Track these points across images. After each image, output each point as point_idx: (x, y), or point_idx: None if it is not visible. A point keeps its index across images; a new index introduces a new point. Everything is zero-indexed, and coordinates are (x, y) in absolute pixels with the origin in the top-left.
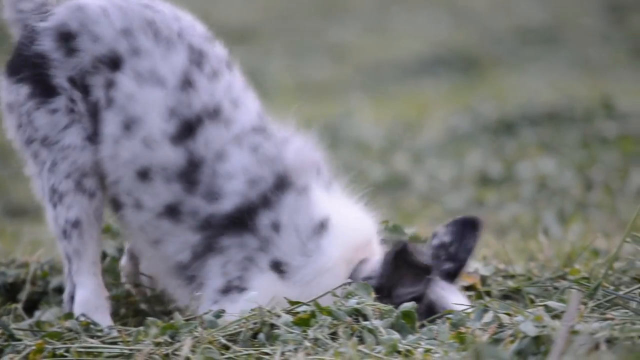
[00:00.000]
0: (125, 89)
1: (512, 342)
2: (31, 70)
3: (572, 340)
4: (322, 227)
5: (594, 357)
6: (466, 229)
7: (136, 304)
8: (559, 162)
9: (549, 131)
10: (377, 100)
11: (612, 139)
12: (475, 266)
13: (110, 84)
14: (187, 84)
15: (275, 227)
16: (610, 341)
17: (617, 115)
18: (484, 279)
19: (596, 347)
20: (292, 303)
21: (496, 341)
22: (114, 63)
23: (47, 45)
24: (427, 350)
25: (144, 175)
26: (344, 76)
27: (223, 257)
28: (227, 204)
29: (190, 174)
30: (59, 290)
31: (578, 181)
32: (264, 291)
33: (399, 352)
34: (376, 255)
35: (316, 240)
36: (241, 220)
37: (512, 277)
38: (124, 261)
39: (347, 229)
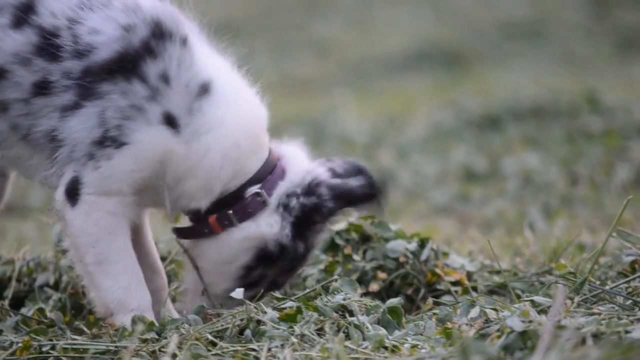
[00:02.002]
0: None
1: (498, 337)
2: None
3: (558, 335)
4: (210, 87)
5: (580, 352)
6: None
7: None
8: (544, 157)
9: (533, 126)
10: (362, 96)
11: (597, 134)
12: (461, 262)
13: None
14: None
15: (165, 78)
16: (596, 336)
17: (602, 110)
18: (470, 275)
19: (583, 341)
20: (279, 299)
21: (483, 336)
22: None
23: None
24: (414, 346)
25: (1, 74)
26: (328, 72)
27: (101, 104)
28: (104, 52)
29: (48, 46)
30: (45, 287)
31: (563, 176)
32: (147, 145)
33: (385, 348)
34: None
35: (205, 100)
36: (124, 66)
37: (498, 272)
38: None
39: (237, 100)
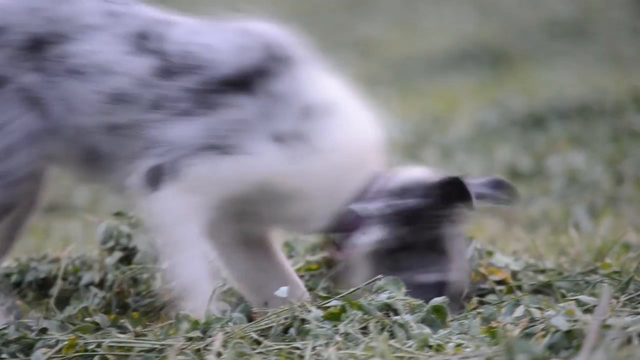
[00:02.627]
0: (57, 53)
1: (543, 336)
2: None
3: (604, 335)
4: (325, 109)
5: (626, 351)
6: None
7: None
8: (589, 156)
9: (578, 125)
10: (405, 95)
11: None
12: (505, 261)
13: (37, 60)
14: (112, 15)
15: (280, 97)
16: None
17: None
18: (514, 274)
19: (628, 341)
20: (323, 298)
21: (528, 336)
22: (35, 42)
23: None
24: (458, 345)
25: (119, 98)
26: (372, 71)
27: (214, 116)
28: (221, 68)
29: (167, 66)
30: (90, 285)
31: (608, 175)
32: (254, 160)
33: (430, 347)
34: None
35: (318, 121)
36: (240, 83)
37: (543, 271)
38: None
39: (351, 122)
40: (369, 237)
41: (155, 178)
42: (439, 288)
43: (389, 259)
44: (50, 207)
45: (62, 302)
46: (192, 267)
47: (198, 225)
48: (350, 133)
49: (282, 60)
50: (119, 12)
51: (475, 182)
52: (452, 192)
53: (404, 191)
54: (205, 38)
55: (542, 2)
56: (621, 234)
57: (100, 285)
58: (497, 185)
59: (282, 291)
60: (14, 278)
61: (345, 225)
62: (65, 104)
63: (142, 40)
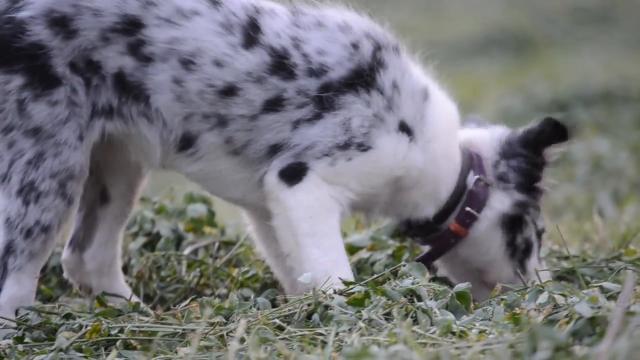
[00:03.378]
0: (161, 38)
1: (567, 323)
2: (27, 61)
3: (627, 321)
4: (426, 94)
5: None
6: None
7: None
8: (614, 143)
9: (603, 111)
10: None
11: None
12: None
13: (136, 46)
14: (213, 2)
15: (396, 87)
16: None
17: None
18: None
19: None
20: (347, 283)
21: (551, 322)
22: (132, 25)
23: (42, 34)
24: (482, 331)
25: (228, 91)
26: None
27: (345, 113)
28: (340, 70)
29: (282, 64)
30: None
31: (633, 162)
32: (390, 152)
33: (453, 333)
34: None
35: (426, 106)
36: (362, 79)
37: (567, 258)
38: (66, 254)
39: (444, 104)
40: (497, 208)
41: (293, 175)
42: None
43: (518, 225)
44: None
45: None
46: (331, 255)
47: (338, 215)
48: (446, 113)
49: (387, 50)
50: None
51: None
52: (549, 133)
53: (506, 152)
54: (312, 37)
55: None
56: None
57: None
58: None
59: (306, 277)
60: None
61: (469, 199)
62: (174, 93)
63: (253, 32)
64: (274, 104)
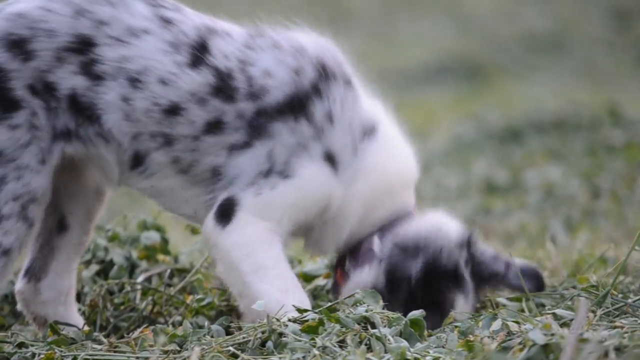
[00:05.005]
0: (111, 57)
1: (520, 350)
2: None
3: (581, 349)
4: (372, 131)
5: None
6: (537, 279)
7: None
8: (566, 170)
9: (555, 139)
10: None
11: (619, 147)
12: None
13: (88, 64)
14: (166, 22)
15: (330, 118)
16: (619, 349)
17: (624, 123)
18: None
19: (605, 355)
20: (300, 311)
21: (505, 349)
22: (84, 44)
23: (1, 57)
24: (436, 359)
25: (172, 110)
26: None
27: (271, 143)
28: (277, 94)
29: (225, 87)
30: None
31: (585, 189)
32: (311, 180)
33: None
34: (413, 215)
35: (366, 142)
36: (294, 107)
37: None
38: (20, 284)
39: (395, 147)
40: (365, 276)
41: (225, 214)
42: None
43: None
44: None
45: None
46: (279, 285)
47: (278, 244)
48: (393, 157)
49: (333, 79)
50: (169, 18)
51: (514, 264)
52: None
53: (416, 246)
54: (261, 58)
55: (519, 16)
56: (605, 250)
57: (78, 298)
58: (535, 275)
59: (259, 304)
60: None
61: (357, 254)
62: (122, 112)
63: (200, 52)
64: (214, 127)
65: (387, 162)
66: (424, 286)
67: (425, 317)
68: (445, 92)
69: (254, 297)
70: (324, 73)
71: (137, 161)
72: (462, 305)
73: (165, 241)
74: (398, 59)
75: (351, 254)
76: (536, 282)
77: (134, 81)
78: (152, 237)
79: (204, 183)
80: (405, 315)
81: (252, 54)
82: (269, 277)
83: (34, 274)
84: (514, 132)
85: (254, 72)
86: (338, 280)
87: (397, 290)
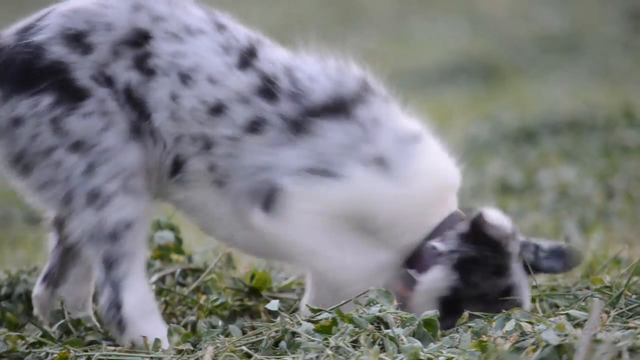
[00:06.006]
0: (166, 51)
1: (534, 350)
2: (51, 78)
3: (594, 349)
4: (418, 138)
5: None
6: (565, 257)
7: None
8: (580, 171)
9: (569, 140)
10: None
11: (634, 148)
12: None
13: (142, 59)
14: (220, 27)
15: (376, 122)
16: (632, 350)
17: (639, 124)
18: None
19: (619, 355)
20: (314, 311)
21: (518, 350)
22: (141, 37)
23: (60, 51)
24: (449, 359)
25: (217, 109)
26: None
27: (319, 140)
28: (320, 95)
29: (269, 88)
30: None
31: (599, 190)
32: (360, 183)
33: None
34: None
35: (414, 147)
36: (340, 109)
37: (535, 286)
38: (38, 290)
39: (439, 152)
40: (437, 276)
41: (270, 199)
42: None
43: (452, 304)
44: (40, 219)
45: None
46: (347, 256)
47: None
48: (435, 165)
49: (374, 92)
50: (223, 24)
51: (542, 247)
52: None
53: (476, 237)
54: (306, 67)
55: (535, 17)
56: (619, 251)
57: (93, 298)
58: (563, 254)
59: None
60: (3, 290)
61: (416, 261)
62: (170, 110)
63: (248, 56)
64: (255, 125)
65: (436, 165)
66: (498, 273)
67: (497, 308)
68: (460, 92)
69: (323, 274)
70: (366, 87)
71: (176, 167)
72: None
73: (179, 241)
74: (413, 59)
75: (409, 262)
76: (565, 260)
77: (185, 77)
78: (165, 237)
79: (240, 198)
80: (488, 311)
81: (299, 61)
82: (332, 256)
83: (53, 279)
84: (528, 133)
85: (300, 75)
86: (402, 294)
87: (475, 282)
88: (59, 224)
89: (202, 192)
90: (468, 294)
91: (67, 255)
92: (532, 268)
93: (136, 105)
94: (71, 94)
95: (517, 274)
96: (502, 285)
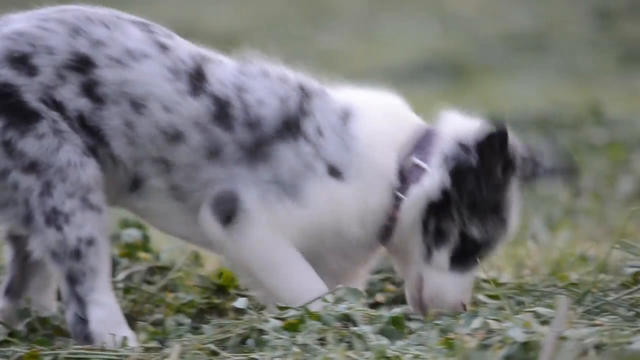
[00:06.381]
0: (113, 80)
1: (500, 348)
2: (1, 102)
3: (560, 346)
4: (347, 114)
5: None
6: (565, 174)
7: None
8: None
9: (537, 137)
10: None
11: (601, 146)
12: None
13: (89, 86)
14: (162, 48)
15: (319, 131)
16: (598, 347)
17: (606, 122)
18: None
19: (585, 353)
20: (282, 308)
21: (484, 347)
22: (83, 63)
23: (7, 74)
24: (416, 356)
25: (175, 137)
26: (335, 83)
27: (276, 164)
28: (271, 121)
29: (224, 115)
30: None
31: (566, 188)
32: (320, 197)
33: (387, 358)
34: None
35: (347, 129)
36: (290, 128)
37: (502, 284)
38: (3, 304)
39: (370, 108)
40: (428, 183)
41: (228, 209)
42: (483, 248)
43: (446, 209)
44: None
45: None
46: (303, 273)
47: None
48: (377, 122)
49: (310, 95)
50: (165, 44)
51: (542, 164)
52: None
53: (462, 144)
54: (253, 86)
55: (503, 16)
56: (587, 248)
57: (58, 296)
58: (563, 171)
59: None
60: None
61: (403, 177)
62: (127, 136)
63: (198, 81)
64: (214, 154)
65: (378, 126)
66: (488, 175)
67: (486, 223)
68: (429, 90)
69: (273, 292)
70: (305, 93)
71: (137, 184)
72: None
73: (146, 238)
74: (382, 58)
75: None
76: (565, 176)
77: (138, 106)
78: (133, 235)
79: (191, 202)
80: (474, 220)
81: (246, 80)
82: (284, 275)
83: (15, 291)
84: None
85: (250, 101)
86: (392, 214)
87: (464, 188)
88: (14, 237)
89: (163, 204)
90: (457, 202)
91: (25, 265)
92: (532, 180)
93: (93, 133)
94: (22, 116)
95: (513, 191)
96: (495, 199)
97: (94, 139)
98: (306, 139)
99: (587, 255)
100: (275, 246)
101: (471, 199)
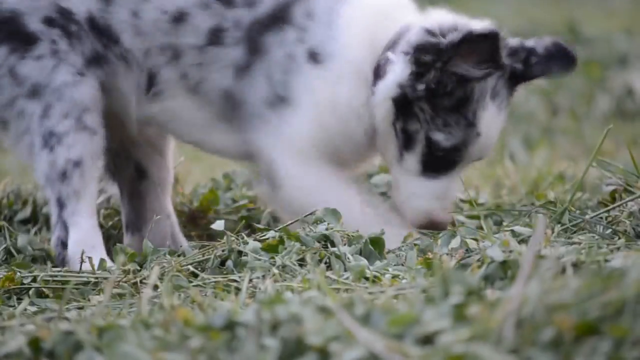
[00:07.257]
0: None
1: (479, 267)
2: (3, 29)
3: (538, 265)
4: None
5: (560, 281)
6: (560, 57)
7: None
8: (524, 88)
9: None
10: None
11: (578, 64)
12: None
13: None
14: None
15: (310, 15)
16: (576, 265)
17: (583, 40)
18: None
19: (563, 271)
20: (261, 230)
21: (463, 266)
22: None
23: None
24: (395, 276)
25: (179, 18)
26: None
27: (267, 59)
28: (268, 3)
29: None
30: (26, 221)
31: (544, 106)
32: (306, 92)
33: (366, 278)
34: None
35: (335, 16)
36: (281, 15)
37: (480, 203)
38: (127, 240)
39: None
40: (391, 79)
41: (268, 174)
42: (451, 153)
43: (410, 107)
44: None
45: None
46: (346, 199)
47: (329, 175)
48: (363, 10)
49: None
50: None
51: (536, 51)
52: (487, 45)
53: (429, 30)
54: None
55: None
56: (565, 167)
57: (35, 219)
58: (558, 54)
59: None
60: None
61: (377, 73)
62: (134, 27)
63: None
64: (216, 35)
65: (363, 15)
66: (455, 67)
67: (450, 124)
68: None
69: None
70: None
71: (151, 81)
72: (494, 110)
73: None
74: None
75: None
76: (562, 60)
77: None
78: None
79: (215, 106)
80: (436, 118)
81: None
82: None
83: (134, 225)
84: None
85: None
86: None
87: (424, 80)
88: (111, 173)
89: (177, 101)
90: (417, 97)
91: (135, 198)
92: (523, 77)
93: (102, 33)
94: (22, 40)
95: (485, 91)
96: (460, 96)
97: (104, 39)
98: (293, 25)
99: (564, 173)
100: (324, 188)
101: (432, 93)
